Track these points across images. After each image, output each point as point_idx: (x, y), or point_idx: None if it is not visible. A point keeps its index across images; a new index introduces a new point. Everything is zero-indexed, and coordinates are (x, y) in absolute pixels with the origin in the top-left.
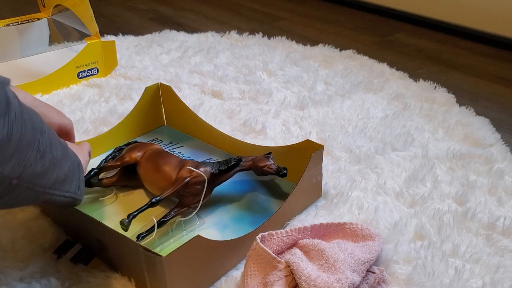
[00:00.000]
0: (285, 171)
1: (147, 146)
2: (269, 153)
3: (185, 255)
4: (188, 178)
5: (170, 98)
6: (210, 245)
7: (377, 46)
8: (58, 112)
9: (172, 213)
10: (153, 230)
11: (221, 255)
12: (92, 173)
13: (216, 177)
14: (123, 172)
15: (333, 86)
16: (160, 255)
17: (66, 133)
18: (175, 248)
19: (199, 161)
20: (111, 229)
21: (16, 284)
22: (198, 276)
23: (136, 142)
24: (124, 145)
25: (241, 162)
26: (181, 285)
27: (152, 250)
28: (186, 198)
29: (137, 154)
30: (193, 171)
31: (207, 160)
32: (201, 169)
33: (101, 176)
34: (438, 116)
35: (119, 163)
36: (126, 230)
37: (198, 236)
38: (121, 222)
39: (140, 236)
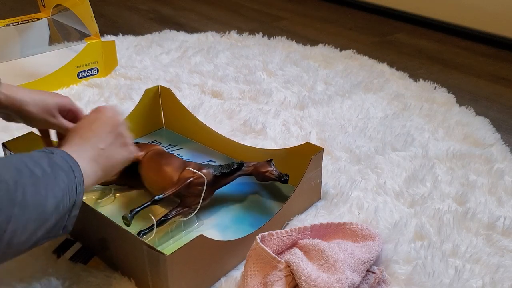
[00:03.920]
0: (287, 178)
1: (149, 147)
2: (271, 160)
3: (188, 254)
4: (191, 179)
5: (170, 100)
6: (213, 245)
7: (377, 46)
8: (53, 95)
9: (173, 212)
10: (153, 229)
11: (222, 255)
12: None
13: (218, 180)
14: (124, 172)
15: (333, 86)
16: (163, 253)
17: (67, 111)
18: (174, 248)
19: (201, 163)
20: (116, 224)
21: (16, 284)
22: (199, 275)
23: (137, 142)
24: None
25: (243, 167)
26: (182, 283)
27: (156, 248)
28: (188, 199)
29: (138, 154)
30: (196, 172)
31: (206, 162)
32: (204, 171)
33: None
34: (438, 116)
35: None
36: (128, 225)
37: (201, 235)
38: (124, 217)
39: (141, 233)
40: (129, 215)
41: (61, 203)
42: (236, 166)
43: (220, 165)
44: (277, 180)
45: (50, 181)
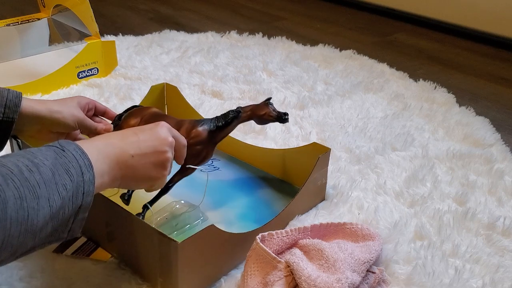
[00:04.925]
0: (287, 117)
1: (143, 111)
2: (269, 99)
3: (198, 244)
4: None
5: (175, 98)
6: (223, 236)
7: (377, 46)
8: (69, 110)
9: (175, 178)
10: (157, 199)
11: (231, 247)
12: None
13: (216, 134)
14: None
15: (333, 86)
16: (175, 240)
17: (87, 128)
18: (179, 240)
19: (195, 119)
20: (125, 211)
21: (16, 284)
22: (207, 266)
23: (135, 106)
24: (125, 111)
25: (240, 114)
26: (191, 273)
27: (168, 236)
28: (187, 160)
29: (134, 121)
30: (191, 132)
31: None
32: (199, 129)
33: None
34: (438, 116)
35: None
36: (127, 204)
37: (213, 225)
38: (122, 196)
39: (146, 207)
40: (127, 194)
41: (61, 210)
42: (232, 115)
43: (216, 117)
44: (276, 120)
45: (48, 189)
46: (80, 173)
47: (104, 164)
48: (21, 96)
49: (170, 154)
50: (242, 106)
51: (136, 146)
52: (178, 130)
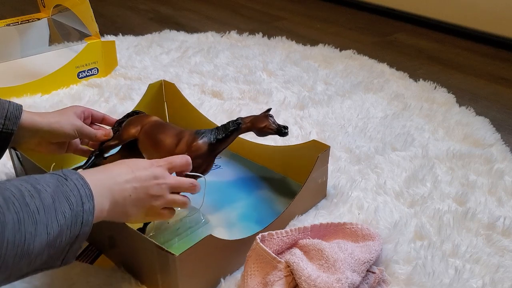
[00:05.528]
0: (286, 130)
1: (143, 120)
2: (269, 110)
3: (198, 254)
4: (186, 153)
5: (174, 95)
6: (222, 244)
7: (377, 46)
8: (67, 119)
9: None
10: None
11: (231, 253)
12: (93, 156)
13: (216, 147)
14: (125, 149)
15: (333, 86)
16: (173, 254)
17: (87, 135)
18: (180, 246)
19: (196, 131)
20: (124, 225)
21: (16, 284)
22: (209, 273)
23: (135, 112)
24: (125, 116)
25: (240, 125)
26: (192, 282)
27: (166, 249)
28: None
29: (134, 130)
30: (191, 145)
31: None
32: (199, 142)
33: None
34: (438, 116)
35: (117, 141)
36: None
37: (210, 235)
38: None
39: (146, 225)
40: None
41: (58, 238)
42: (232, 127)
43: (216, 128)
44: (276, 133)
45: (47, 215)
46: (80, 203)
47: (105, 198)
48: (22, 109)
49: (164, 197)
50: (242, 116)
51: (134, 188)
52: (178, 142)
